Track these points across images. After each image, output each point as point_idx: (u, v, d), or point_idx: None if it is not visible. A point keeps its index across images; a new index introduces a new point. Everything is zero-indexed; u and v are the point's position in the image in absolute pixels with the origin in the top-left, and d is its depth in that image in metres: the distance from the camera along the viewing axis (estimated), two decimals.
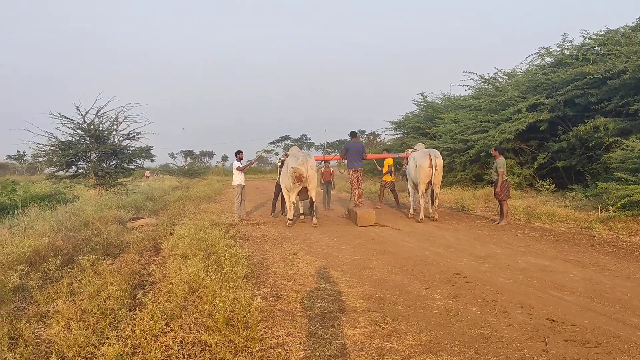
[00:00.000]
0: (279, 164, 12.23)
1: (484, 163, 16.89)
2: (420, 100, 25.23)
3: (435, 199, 10.78)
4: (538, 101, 14.24)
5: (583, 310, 4.38)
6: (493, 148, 10.48)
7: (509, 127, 14.59)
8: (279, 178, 11.63)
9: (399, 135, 26.71)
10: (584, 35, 14.58)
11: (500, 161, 9.97)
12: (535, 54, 16.52)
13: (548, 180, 14.54)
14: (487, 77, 19.69)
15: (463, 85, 24.85)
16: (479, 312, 4.38)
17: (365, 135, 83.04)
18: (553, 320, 4.11)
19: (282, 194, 11.63)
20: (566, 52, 15.25)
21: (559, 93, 13.79)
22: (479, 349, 3.54)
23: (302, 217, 11.77)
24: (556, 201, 12.15)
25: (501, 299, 4.78)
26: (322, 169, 14.20)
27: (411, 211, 11.54)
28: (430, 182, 10.48)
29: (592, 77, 12.60)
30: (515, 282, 5.44)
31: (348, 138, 11.56)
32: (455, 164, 17.33)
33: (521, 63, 22.15)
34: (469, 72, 19.68)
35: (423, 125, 23.10)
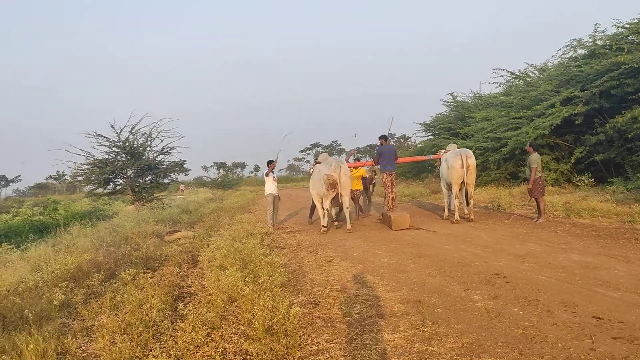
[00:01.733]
0: (311, 170, 12.21)
1: (519, 160, 16.54)
2: (449, 100, 24.95)
3: (470, 199, 10.58)
4: (572, 94, 13.87)
5: (630, 306, 4.23)
6: (528, 144, 10.32)
7: (543, 122, 14.25)
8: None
9: (429, 137, 26.45)
10: (617, 24, 14.12)
11: (533, 157, 9.76)
12: (567, 46, 16.10)
13: (587, 174, 14.11)
14: (517, 73, 19.32)
15: (493, 83, 24.43)
16: (521, 312, 4.28)
17: (396, 138, 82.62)
18: (599, 318, 3.98)
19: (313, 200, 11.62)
20: (599, 42, 14.79)
21: (593, 85, 13.40)
22: (523, 350, 3.46)
23: (335, 223, 11.75)
24: (596, 196, 11.79)
25: (543, 298, 4.66)
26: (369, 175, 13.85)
27: (446, 212, 11.31)
28: (463, 182, 10.30)
29: (627, 66, 12.20)
30: (557, 280, 5.30)
31: (378, 142, 11.52)
32: (488, 162, 17.03)
33: (552, 56, 21.68)
34: (499, 69, 19.36)
35: (454, 125, 22.81)
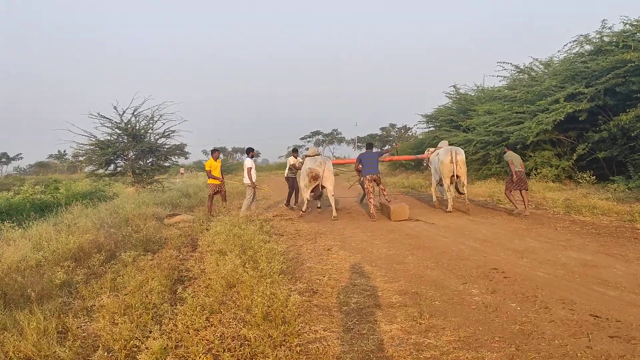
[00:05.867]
0: (294, 163, 13.46)
1: (520, 155, 16.51)
2: (452, 92, 24.81)
3: (463, 187, 11.28)
4: (577, 90, 13.79)
5: (628, 305, 4.26)
6: (505, 145, 11.74)
7: (546, 117, 14.20)
8: (286, 173, 13.72)
9: (431, 129, 26.32)
10: (624, 21, 14.01)
11: (507, 154, 10.71)
12: (573, 41, 15.94)
13: (588, 172, 14.09)
14: (522, 67, 19.19)
15: (497, 76, 24.27)
16: (518, 308, 4.31)
17: (397, 129, 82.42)
18: (596, 316, 4.01)
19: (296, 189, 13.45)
20: (606, 39, 14.66)
21: (598, 82, 13.33)
22: (520, 346, 3.49)
23: (318, 209, 12.79)
24: (597, 193, 11.79)
25: (542, 294, 4.68)
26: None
27: (449, 206, 11.32)
28: (454, 176, 11.02)
29: (633, 64, 12.12)
30: (556, 277, 5.32)
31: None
32: (489, 156, 17.01)
33: (558, 52, 21.43)
34: (503, 62, 19.22)
35: (456, 117, 22.71)
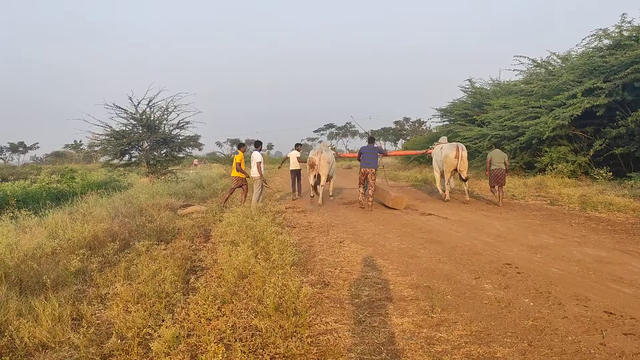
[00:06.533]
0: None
1: (536, 150, 16.35)
2: (467, 86, 24.61)
3: (466, 180, 12.23)
4: (595, 85, 13.61)
5: None
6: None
7: (563, 112, 14.04)
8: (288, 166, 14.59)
9: (445, 123, 26.13)
10: None
11: (490, 152, 11.85)
12: (592, 35, 15.70)
13: (605, 168, 13.91)
14: (539, 61, 18.95)
15: (513, 70, 23.99)
16: (531, 304, 4.28)
17: (411, 123, 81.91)
18: (611, 313, 3.96)
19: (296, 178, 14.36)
20: (625, 33, 14.41)
21: (617, 76, 13.13)
22: (532, 341, 3.46)
23: (330, 198, 13.58)
24: (614, 190, 11.65)
25: (555, 290, 4.64)
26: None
27: (440, 192, 12.90)
28: (455, 170, 12.07)
29: None
30: (570, 273, 5.27)
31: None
32: (504, 151, 16.86)
33: (577, 46, 21.17)
34: (520, 56, 19.01)
35: (471, 111, 22.52)
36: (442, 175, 12.72)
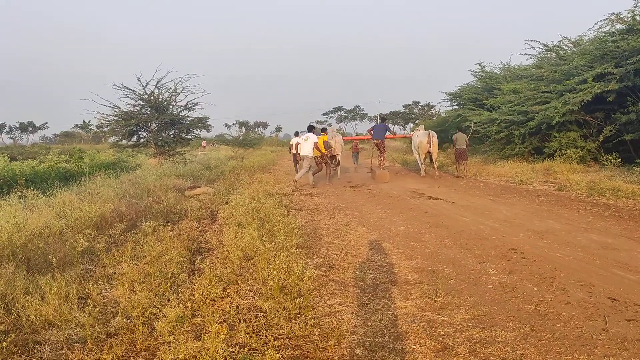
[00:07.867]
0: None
1: (545, 135, 16.18)
2: (477, 70, 24.30)
3: (435, 162, 14.69)
4: (606, 70, 13.37)
5: None
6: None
7: (573, 97, 13.84)
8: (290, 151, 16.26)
9: (454, 107, 25.90)
10: None
11: (455, 135, 14.94)
12: (604, 20, 15.38)
13: (614, 154, 13.75)
14: (550, 46, 18.65)
15: (524, 54, 23.67)
16: (535, 289, 4.28)
17: (420, 107, 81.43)
18: (614, 299, 3.95)
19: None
20: (638, 18, 14.11)
21: (629, 62, 12.88)
22: (534, 326, 3.47)
23: (338, 178, 15.09)
24: (622, 176, 11.53)
25: (559, 276, 4.63)
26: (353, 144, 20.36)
27: (422, 172, 15.07)
28: (428, 152, 14.57)
29: None
30: (575, 259, 5.25)
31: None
32: (513, 136, 16.70)
33: (589, 30, 20.80)
34: (531, 40, 18.69)
35: (480, 96, 22.23)
36: (418, 156, 15.42)
